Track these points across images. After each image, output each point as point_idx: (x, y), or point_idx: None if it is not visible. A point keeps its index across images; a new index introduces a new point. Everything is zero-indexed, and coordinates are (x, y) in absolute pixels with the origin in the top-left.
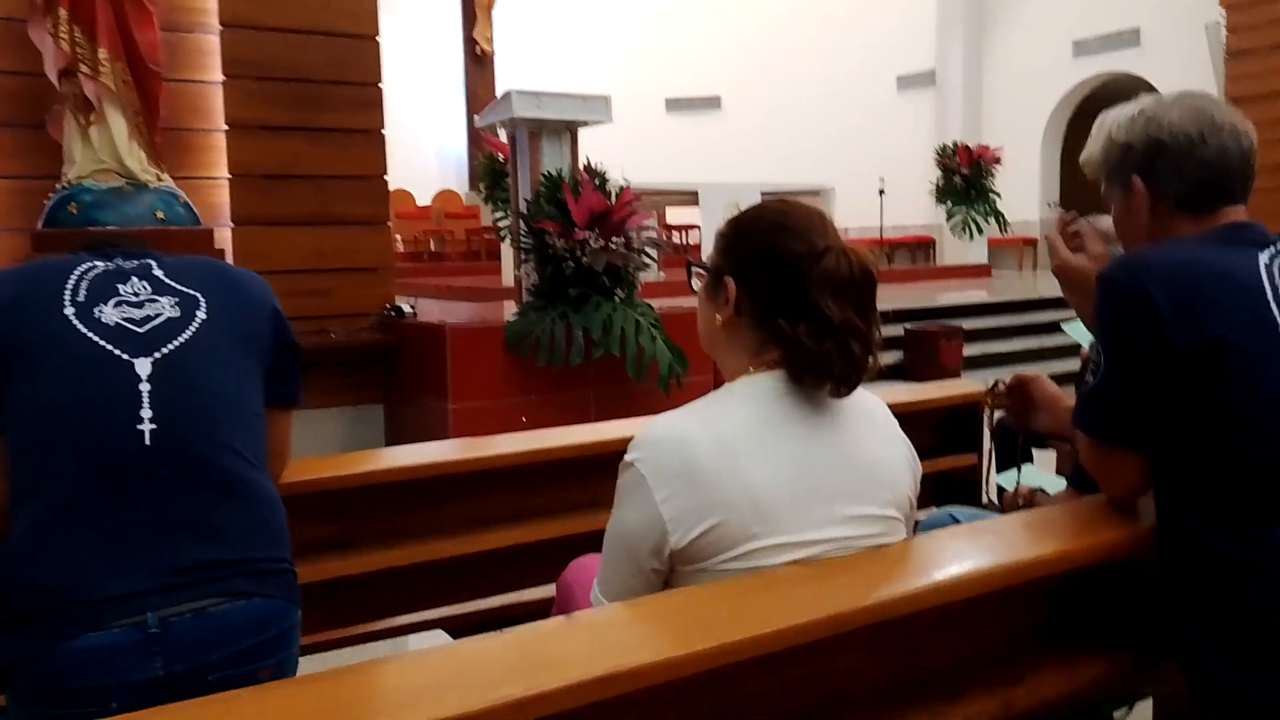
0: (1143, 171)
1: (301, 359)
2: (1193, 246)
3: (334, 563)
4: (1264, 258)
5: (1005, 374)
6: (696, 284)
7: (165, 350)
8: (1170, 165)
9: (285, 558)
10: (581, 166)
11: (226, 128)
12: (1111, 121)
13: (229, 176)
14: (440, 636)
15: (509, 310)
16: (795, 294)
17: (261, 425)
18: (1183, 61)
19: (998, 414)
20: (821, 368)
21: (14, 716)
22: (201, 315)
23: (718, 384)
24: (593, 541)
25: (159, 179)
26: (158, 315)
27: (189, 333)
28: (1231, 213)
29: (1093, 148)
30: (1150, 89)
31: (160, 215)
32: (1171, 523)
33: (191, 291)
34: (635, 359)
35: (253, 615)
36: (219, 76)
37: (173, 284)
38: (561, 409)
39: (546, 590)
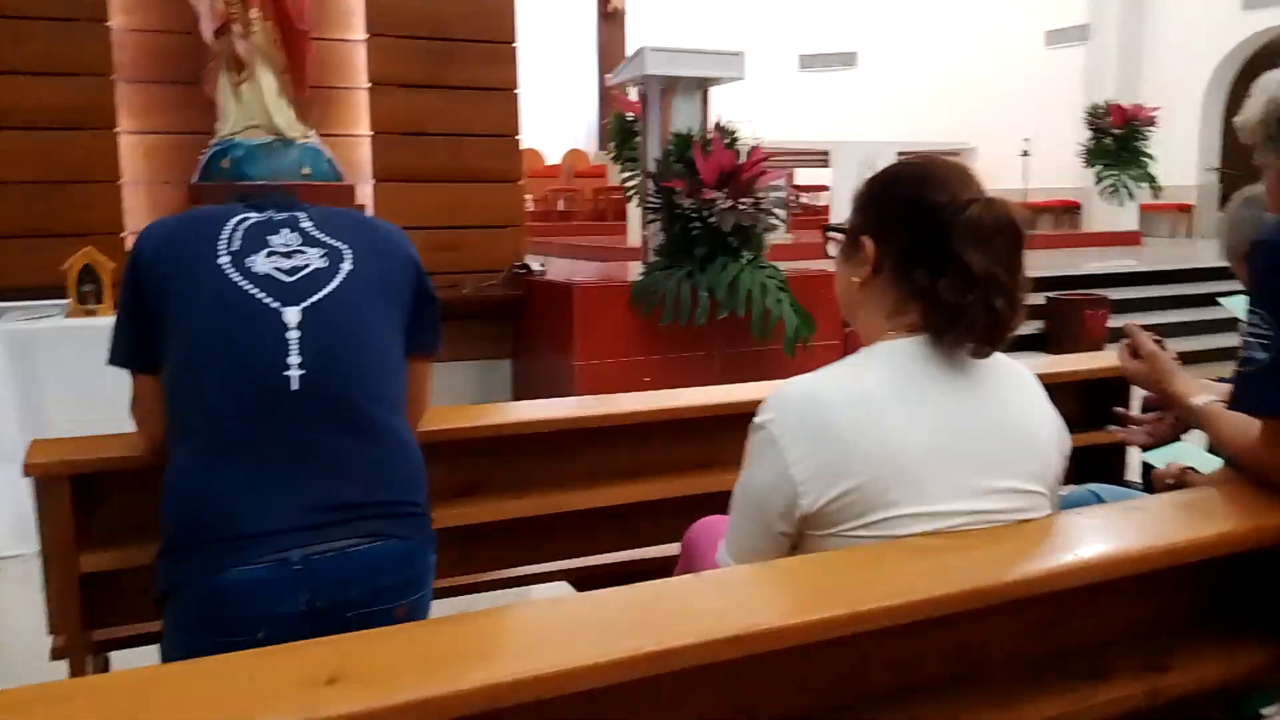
0: None
1: (441, 311)
2: None
3: (464, 509)
4: None
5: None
6: (833, 248)
7: (313, 300)
8: None
9: (421, 502)
10: (712, 125)
11: (368, 85)
12: (1273, 84)
13: (370, 133)
14: (564, 588)
15: (635, 269)
16: (936, 246)
17: (403, 374)
18: None
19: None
20: (962, 323)
21: (168, 640)
22: (347, 266)
23: (847, 349)
24: (714, 502)
25: (305, 135)
26: (306, 266)
27: (335, 283)
28: None
29: (1250, 111)
30: None
31: (306, 170)
32: None
33: (337, 243)
34: (761, 320)
35: (391, 555)
36: (362, 35)
37: (320, 236)
38: (685, 369)
39: (667, 548)
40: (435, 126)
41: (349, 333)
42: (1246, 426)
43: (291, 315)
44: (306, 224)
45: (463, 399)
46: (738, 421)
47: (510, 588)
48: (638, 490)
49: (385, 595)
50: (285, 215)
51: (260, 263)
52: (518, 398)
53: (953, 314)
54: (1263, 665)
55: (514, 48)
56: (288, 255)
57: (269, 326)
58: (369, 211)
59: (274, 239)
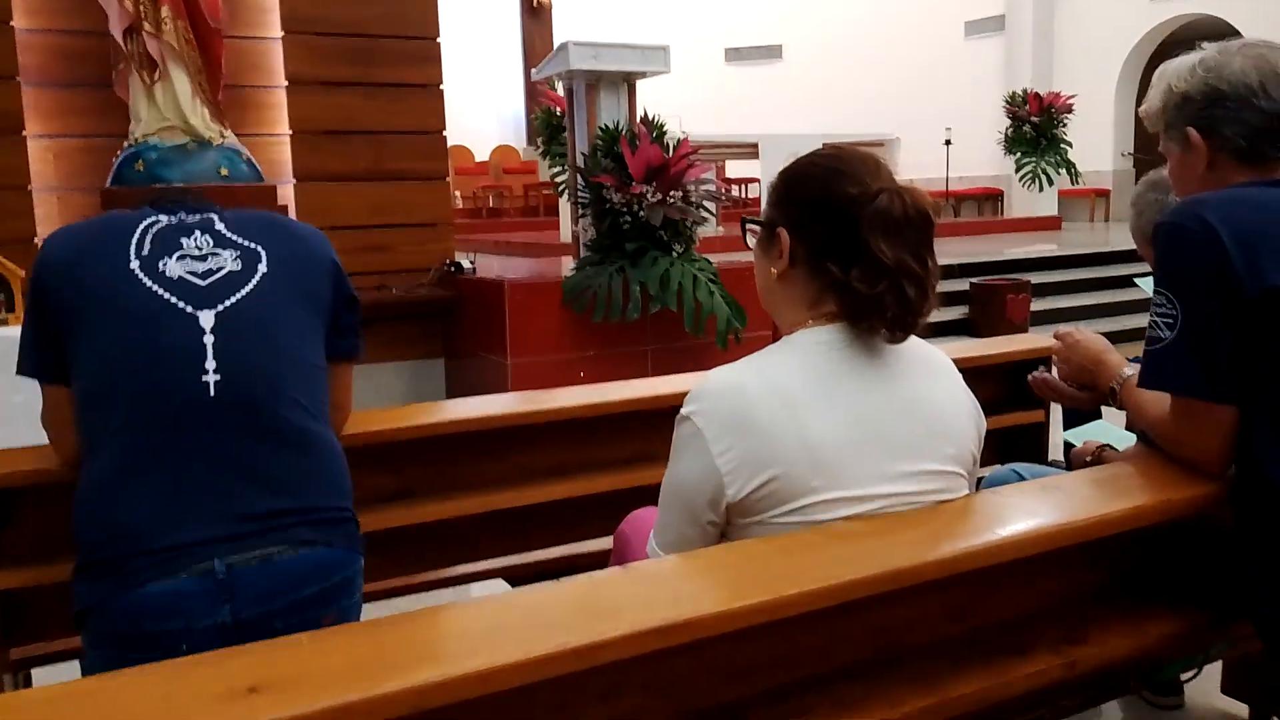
0: (1200, 122)
1: (362, 313)
2: (1253, 191)
3: (397, 512)
4: None
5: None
6: (751, 240)
7: (228, 303)
8: (1228, 114)
9: (347, 507)
10: (639, 119)
11: (287, 84)
12: (1171, 72)
13: (290, 133)
14: (500, 586)
15: (567, 265)
16: (848, 237)
17: (323, 377)
18: (1265, 3)
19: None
20: (875, 311)
21: (89, 658)
22: (263, 269)
23: (776, 339)
24: (650, 494)
25: (222, 136)
26: (220, 269)
27: (251, 286)
28: None
29: (1152, 98)
30: (1234, 32)
31: (224, 172)
32: (1251, 474)
33: (253, 245)
34: (693, 313)
35: (316, 563)
36: (279, 33)
37: (235, 238)
38: (619, 363)
39: (604, 542)
40: (357, 125)
41: (267, 337)
42: (1158, 402)
43: (206, 319)
44: (221, 226)
45: (395, 400)
46: (668, 415)
47: (446, 588)
48: (572, 486)
49: (312, 604)
50: (199, 218)
51: (173, 266)
52: (451, 397)
53: (866, 303)
54: (1174, 634)
55: (437, 44)
56: (201, 258)
57: (183, 332)
58: (291, 213)
59: (187, 242)
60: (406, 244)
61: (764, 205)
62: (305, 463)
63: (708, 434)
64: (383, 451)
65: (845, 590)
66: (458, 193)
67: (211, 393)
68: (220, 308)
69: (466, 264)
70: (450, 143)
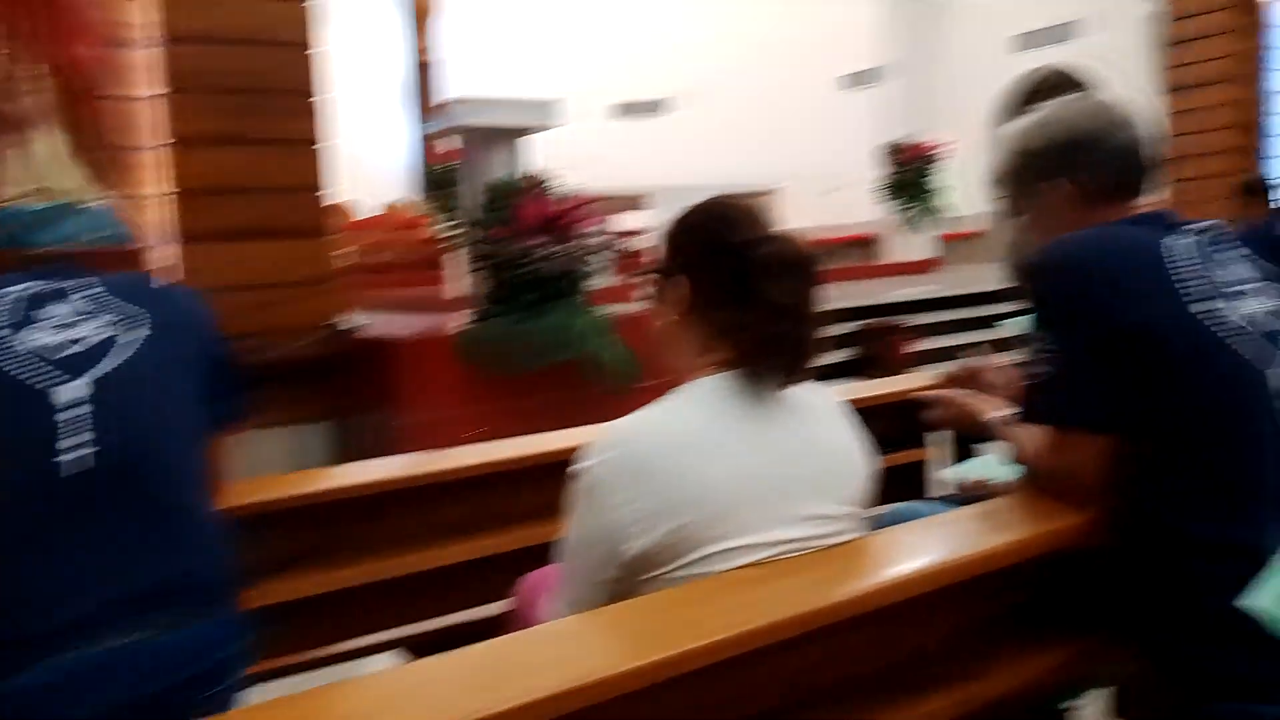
0: (1059, 172)
1: (244, 377)
2: (1115, 230)
3: (285, 585)
4: (1183, 240)
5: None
6: (645, 290)
7: (101, 372)
8: (1086, 159)
9: (230, 581)
10: (530, 172)
11: (169, 142)
12: (1016, 132)
13: (171, 192)
14: (402, 656)
15: (463, 319)
16: (736, 284)
17: (202, 446)
18: (1121, 51)
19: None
20: (769, 354)
21: None
22: (140, 333)
23: (675, 385)
24: (554, 552)
25: (98, 197)
26: (94, 335)
27: (126, 352)
28: (1146, 202)
29: (1000, 161)
30: (1091, 78)
31: (99, 234)
32: (1130, 503)
33: (129, 309)
34: (590, 363)
35: (197, 642)
36: (153, 91)
37: (110, 302)
38: (518, 417)
39: (508, 604)
40: (241, 183)
41: (145, 405)
42: (1037, 435)
43: (78, 389)
44: (94, 291)
45: (282, 466)
46: (569, 467)
47: (343, 662)
48: (471, 547)
49: (195, 685)
50: (71, 283)
51: (37, 337)
52: (342, 461)
53: (758, 347)
54: (1065, 661)
55: (321, 100)
56: (72, 325)
57: (44, 407)
58: (174, 275)
59: (59, 308)
60: (292, 303)
61: (657, 255)
62: (184, 535)
63: (606, 486)
64: (268, 521)
65: (749, 639)
66: (346, 249)
67: (81, 466)
68: (92, 377)
69: (356, 321)
70: (337, 198)
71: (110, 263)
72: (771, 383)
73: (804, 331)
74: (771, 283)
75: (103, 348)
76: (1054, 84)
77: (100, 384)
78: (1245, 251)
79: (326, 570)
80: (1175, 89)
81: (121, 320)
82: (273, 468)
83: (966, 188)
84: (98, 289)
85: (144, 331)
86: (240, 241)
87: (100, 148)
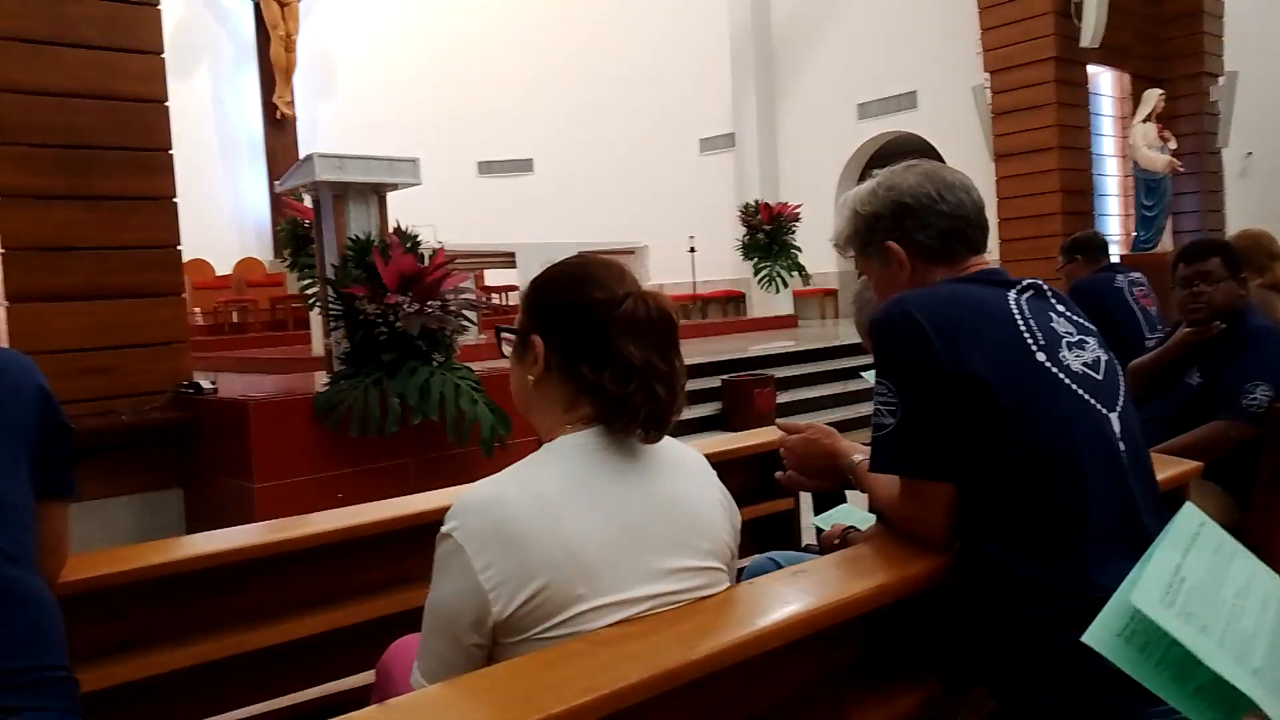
0: (894, 234)
1: (80, 443)
2: (948, 286)
3: (127, 665)
4: (1012, 295)
5: (813, 417)
6: (506, 349)
7: None
8: (917, 221)
9: (61, 664)
10: (391, 229)
11: None
12: (854, 198)
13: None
14: None
15: (319, 380)
16: (597, 341)
17: (30, 519)
18: (955, 120)
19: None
20: (627, 411)
21: None
22: None
23: (541, 444)
24: (417, 619)
25: None
26: None
27: None
28: (977, 261)
29: (840, 225)
30: (927, 145)
31: None
32: (970, 548)
33: None
34: (455, 423)
35: None
36: None
37: None
38: (380, 480)
39: (368, 676)
40: (77, 240)
41: None
42: (888, 484)
43: None
44: None
45: (128, 537)
46: (431, 531)
47: None
48: (329, 618)
49: None
50: None
51: None
52: (192, 530)
53: (618, 404)
54: (920, 704)
55: (168, 155)
56: None
57: None
58: (2, 338)
59: None
60: (136, 365)
61: (515, 315)
62: (8, 617)
63: (469, 549)
64: (106, 596)
65: (614, 699)
66: (197, 309)
67: None
68: None
69: (206, 384)
70: (187, 256)
71: None
72: (632, 439)
73: (665, 388)
74: (632, 340)
75: None
76: (890, 153)
77: None
78: (1062, 307)
79: (175, 647)
80: (1000, 156)
81: None
82: (122, 538)
83: (818, 247)
84: None
85: None
86: (80, 301)
87: None
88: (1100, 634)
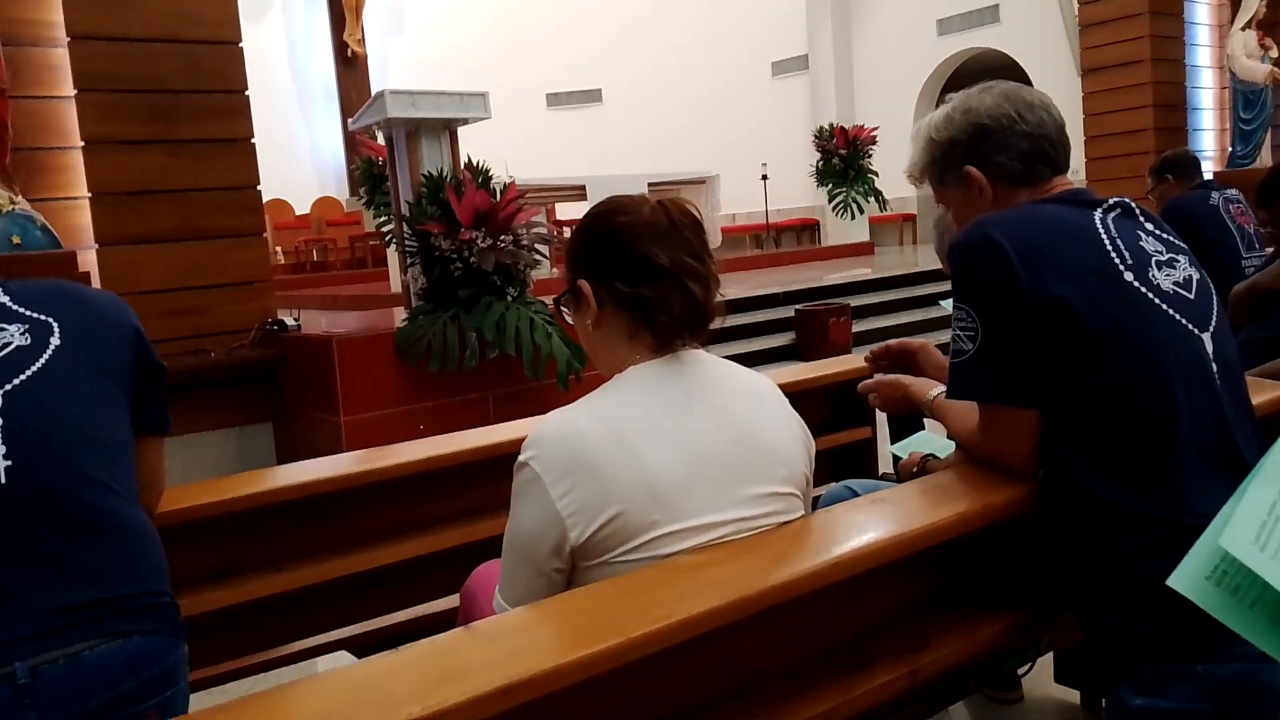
0: (973, 158)
1: (173, 381)
2: (1031, 208)
3: (224, 591)
4: (1099, 214)
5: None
6: (567, 315)
7: (16, 381)
8: (997, 144)
9: (164, 591)
10: (463, 165)
11: (82, 144)
12: (928, 125)
13: (89, 195)
14: (345, 658)
15: (398, 316)
16: (626, 257)
17: (129, 454)
18: (1040, 35)
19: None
20: (664, 313)
21: None
22: (55, 342)
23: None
24: (498, 546)
25: (12, 202)
26: (7, 345)
27: (42, 361)
28: (1060, 181)
29: (916, 155)
30: (1011, 63)
31: (16, 240)
32: (1058, 477)
33: (43, 317)
34: (531, 357)
35: (131, 655)
36: (71, 91)
37: (22, 310)
38: (459, 413)
39: (452, 600)
40: (161, 185)
41: (61, 415)
42: (967, 412)
43: None
44: (5, 298)
45: (221, 470)
46: (510, 461)
47: (284, 666)
48: (414, 545)
49: (130, 699)
50: None
51: None
52: (282, 462)
53: (655, 307)
54: (1005, 631)
55: (244, 97)
56: None
57: None
58: (94, 280)
59: None
60: (223, 305)
61: (563, 270)
62: (113, 548)
63: (546, 478)
64: (204, 527)
65: (692, 624)
66: (278, 248)
67: (1, 480)
68: (8, 387)
69: (290, 321)
70: (266, 197)
71: (33, 268)
72: (683, 346)
73: (699, 286)
74: (655, 245)
75: (15, 358)
76: (971, 70)
77: (11, 397)
78: (1151, 225)
79: (268, 574)
80: (1089, 70)
81: (34, 328)
82: (215, 471)
83: (896, 171)
84: (8, 297)
85: (56, 340)
86: (166, 244)
87: (16, 151)
88: (1187, 577)
